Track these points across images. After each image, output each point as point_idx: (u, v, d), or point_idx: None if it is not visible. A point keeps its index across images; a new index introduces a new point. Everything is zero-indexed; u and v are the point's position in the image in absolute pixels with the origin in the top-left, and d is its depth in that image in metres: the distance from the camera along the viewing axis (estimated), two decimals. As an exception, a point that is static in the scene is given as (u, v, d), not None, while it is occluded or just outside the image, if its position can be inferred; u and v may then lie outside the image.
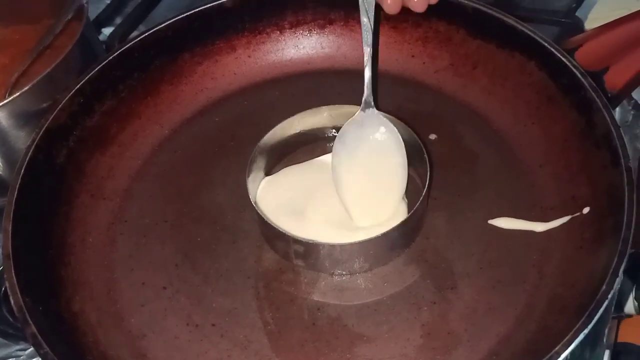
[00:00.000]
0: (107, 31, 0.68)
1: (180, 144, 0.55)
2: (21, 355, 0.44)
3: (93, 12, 0.69)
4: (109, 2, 0.71)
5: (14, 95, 0.47)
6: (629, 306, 0.49)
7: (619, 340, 0.52)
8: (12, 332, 0.44)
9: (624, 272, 0.48)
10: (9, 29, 0.60)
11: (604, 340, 0.46)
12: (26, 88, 0.47)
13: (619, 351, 0.51)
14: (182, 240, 0.48)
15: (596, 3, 0.67)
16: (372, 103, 0.48)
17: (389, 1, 0.45)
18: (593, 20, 0.66)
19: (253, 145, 0.48)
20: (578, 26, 0.63)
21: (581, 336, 0.34)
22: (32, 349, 0.45)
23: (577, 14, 0.66)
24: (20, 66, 0.54)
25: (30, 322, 0.37)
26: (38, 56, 0.55)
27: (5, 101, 0.47)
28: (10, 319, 0.44)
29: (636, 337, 0.52)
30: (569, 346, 0.34)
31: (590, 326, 0.35)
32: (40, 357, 0.36)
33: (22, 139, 0.49)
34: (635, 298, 0.49)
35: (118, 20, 0.69)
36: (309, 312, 0.44)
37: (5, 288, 0.40)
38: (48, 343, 0.36)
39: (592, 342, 0.45)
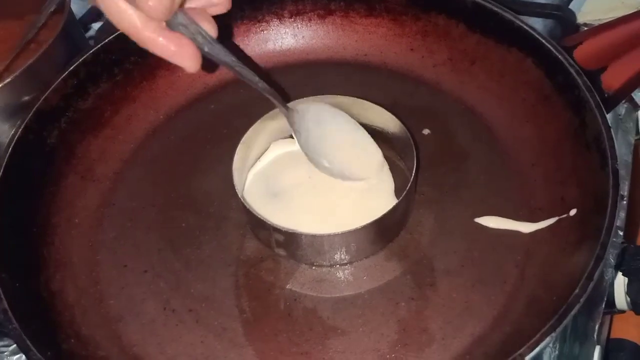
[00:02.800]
0: (96, 26, 0.69)
1: (174, 130, 0.56)
2: (4, 352, 0.44)
3: (82, 7, 0.69)
4: (98, -3, 0.71)
5: None
6: (621, 302, 0.48)
7: (612, 336, 0.51)
8: (-5, 329, 0.44)
9: (615, 267, 0.48)
10: (-7, 26, 0.59)
11: (594, 336, 0.45)
12: (7, 81, 0.47)
13: (613, 347, 0.51)
14: (167, 226, 0.49)
15: (589, -4, 0.66)
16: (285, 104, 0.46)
17: None
18: (586, 13, 0.64)
19: (246, 134, 0.48)
20: (571, 20, 0.62)
21: (547, 339, 0.33)
22: (15, 345, 0.45)
23: (570, 7, 0.64)
24: (3, 61, 0.53)
25: (3, 297, 0.38)
26: (22, 51, 0.54)
27: None
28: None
29: (629, 333, 0.51)
30: (534, 348, 0.33)
31: (558, 329, 0.34)
32: (9, 332, 0.36)
33: (5, 132, 0.49)
34: (627, 293, 0.48)
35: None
36: (285, 302, 0.44)
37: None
38: (18, 319, 0.37)
39: (582, 338, 0.45)
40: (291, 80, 0.58)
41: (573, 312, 0.34)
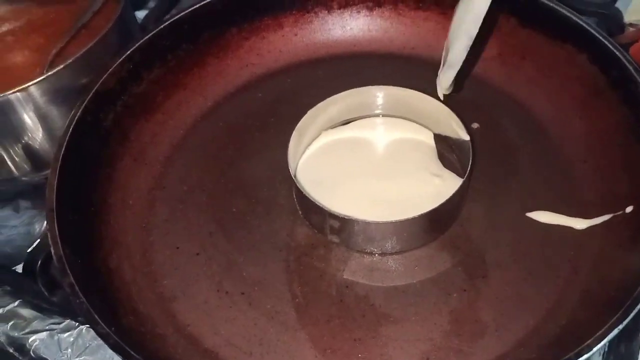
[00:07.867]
0: (140, 14, 0.70)
1: (222, 117, 0.56)
2: (55, 329, 0.45)
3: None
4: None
5: (50, 72, 0.47)
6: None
7: None
8: (46, 307, 0.45)
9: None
10: (44, 9, 0.59)
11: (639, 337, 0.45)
12: (64, 64, 0.48)
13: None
14: (217, 210, 0.49)
15: (637, -5, 0.65)
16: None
17: None
18: (633, 12, 0.64)
19: (293, 122, 0.48)
20: (617, 18, 0.61)
21: (615, 331, 0.33)
22: (65, 322, 0.45)
23: (616, 5, 0.64)
24: (57, 45, 0.54)
25: (69, 272, 0.38)
26: (74, 36, 0.55)
27: (41, 78, 0.47)
28: (46, 293, 0.46)
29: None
30: (601, 340, 0.33)
31: (625, 322, 0.34)
32: (75, 306, 0.37)
33: (60, 117, 0.50)
34: None
35: (152, 4, 0.71)
36: (337, 289, 0.44)
37: (41, 261, 0.41)
38: (84, 293, 0.37)
39: (628, 337, 0.44)
40: (337, 72, 0.59)
41: (639, 307, 0.34)
